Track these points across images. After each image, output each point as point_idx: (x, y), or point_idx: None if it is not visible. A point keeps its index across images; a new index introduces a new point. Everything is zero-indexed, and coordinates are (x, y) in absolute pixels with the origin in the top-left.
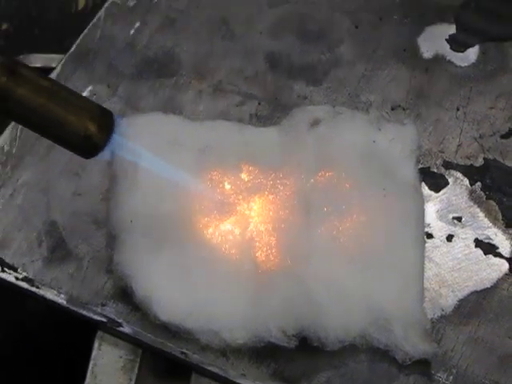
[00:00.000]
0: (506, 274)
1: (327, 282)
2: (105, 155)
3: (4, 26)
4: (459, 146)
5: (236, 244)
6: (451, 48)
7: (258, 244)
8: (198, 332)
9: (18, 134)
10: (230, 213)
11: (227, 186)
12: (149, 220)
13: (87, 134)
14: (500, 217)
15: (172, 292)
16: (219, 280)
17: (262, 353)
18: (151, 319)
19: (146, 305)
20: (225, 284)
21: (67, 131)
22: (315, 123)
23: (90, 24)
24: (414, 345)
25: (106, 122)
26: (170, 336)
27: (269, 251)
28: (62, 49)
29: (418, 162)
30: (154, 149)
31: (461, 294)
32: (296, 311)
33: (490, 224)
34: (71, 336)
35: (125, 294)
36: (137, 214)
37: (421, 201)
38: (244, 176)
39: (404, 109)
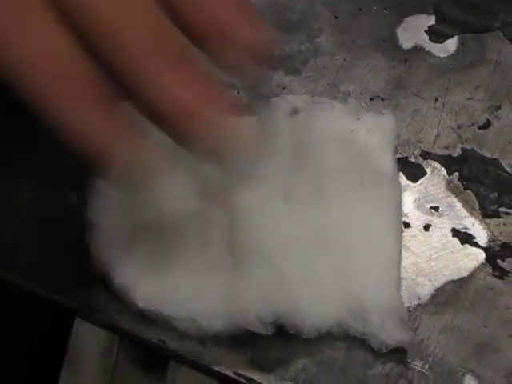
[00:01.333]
0: (483, 264)
1: (303, 270)
2: None
3: None
4: (437, 136)
5: (212, 230)
6: (430, 39)
7: (234, 230)
8: (175, 319)
9: None
10: (206, 199)
11: (204, 176)
12: (126, 207)
13: None
14: (477, 207)
15: (150, 278)
16: (195, 266)
17: (240, 340)
18: (129, 306)
19: (124, 291)
20: (201, 271)
21: None
22: (294, 112)
23: None
24: (391, 333)
25: None
26: (147, 323)
27: (245, 238)
28: None
29: (395, 151)
30: None
31: (437, 283)
32: (272, 298)
33: (467, 214)
34: (48, 323)
35: (103, 281)
36: (114, 201)
37: (398, 190)
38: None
39: (382, 99)
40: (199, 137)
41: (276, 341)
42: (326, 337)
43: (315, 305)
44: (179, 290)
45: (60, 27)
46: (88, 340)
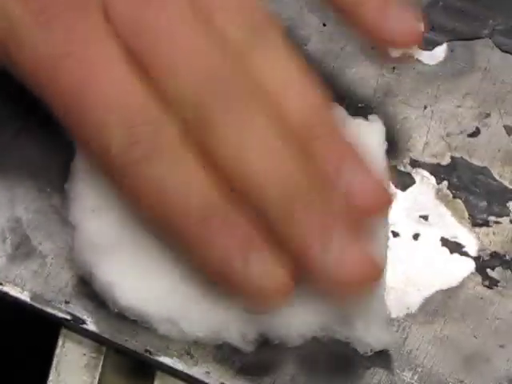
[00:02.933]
0: (472, 273)
1: None
2: None
3: None
4: (426, 144)
5: None
6: (419, 46)
7: None
8: (157, 320)
9: None
10: None
11: None
12: (112, 209)
13: None
14: (466, 216)
15: (133, 277)
16: (180, 270)
17: (226, 350)
18: (110, 307)
19: (106, 290)
20: (185, 275)
21: None
22: None
23: None
24: (376, 336)
25: None
26: (133, 333)
27: None
28: None
29: (384, 159)
30: None
31: (426, 293)
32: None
33: (457, 223)
34: (33, 334)
35: (88, 291)
36: (97, 204)
37: None
38: None
39: (371, 107)
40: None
41: (263, 350)
42: (313, 343)
43: (299, 311)
44: (162, 290)
45: (199, 167)
46: (74, 351)
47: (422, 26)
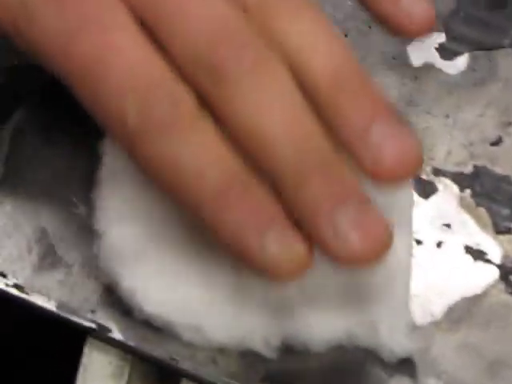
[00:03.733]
0: (496, 281)
1: (311, 286)
2: None
3: None
4: (449, 153)
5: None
6: (440, 56)
7: None
8: (181, 327)
9: (8, 141)
10: None
11: None
12: (138, 217)
13: None
14: (489, 223)
15: (158, 285)
16: (205, 277)
17: (251, 357)
18: (136, 314)
19: (132, 297)
20: (211, 282)
21: None
22: None
23: None
24: (400, 343)
25: None
26: (159, 341)
27: None
28: None
29: None
30: None
31: (450, 301)
32: (279, 317)
33: (480, 231)
34: (60, 343)
35: (114, 299)
36: (124, 212)
37: (409, 206)
38: None
39: None
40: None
41: (288, 357)
42: (337, 351)
43: (323, 317)
44: (187, 297)
45: (217, 137)
46: (100, 360)
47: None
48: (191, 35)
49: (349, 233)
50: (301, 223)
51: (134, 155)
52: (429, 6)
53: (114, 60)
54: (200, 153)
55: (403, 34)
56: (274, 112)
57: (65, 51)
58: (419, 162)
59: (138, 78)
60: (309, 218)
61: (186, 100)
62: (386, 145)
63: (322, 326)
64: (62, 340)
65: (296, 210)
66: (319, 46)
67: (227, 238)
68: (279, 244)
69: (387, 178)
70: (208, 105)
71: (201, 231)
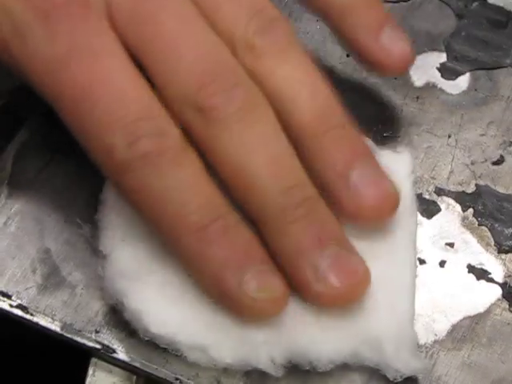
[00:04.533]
0: (499, 299)
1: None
2: None
3: None
4: (451, 172)
5: None
6: (442, 76)
7: None
8: (186, 348)
9: (12, 161)
10: None
11: None
12: (141, 238)
13: None
14: (492, 242)
15: (163, 305)
16: (210, 299)
17: (255, 377)
18: (141, 335)
19: (137, 318)
20: (215, 303)
21: None
22: None
23: None
24: (405, 362)
25: None
26: (164, 362)
27: None
28: None
29: (413, 187)
30: None
31: (454, 319)
32: (285, 336)
33: (483, 250)
34: (64, 364)
35: (118, 320)
36: (128, 233)
37: (414, 226)
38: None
39: (396, 136)
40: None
41: (293, 376)
42: (343, 369)
43: (329, 336)
44: (192, 318)
45: (200, 171)
46: (104, 380)
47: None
48: (181, 74)
49: (328, 274)
50: (282, 263)
51: (120, 186)
52: (408, 45)
53: (102, 91)
54: (184, 187)
55: (380, 71)
56: (261, 153)
57: (54, 79)
58: (397, 203)
59: (124, 109)
60: (290, 259)
61: (171, 134)
62: (365, 188)
63: (328, 344)
64: (66, 361)
65: (278, 250)
66: (303, 90)
67: (206, 273)
68: (257, 282)
69: (366, 219)
70: (195, 141)
71: None
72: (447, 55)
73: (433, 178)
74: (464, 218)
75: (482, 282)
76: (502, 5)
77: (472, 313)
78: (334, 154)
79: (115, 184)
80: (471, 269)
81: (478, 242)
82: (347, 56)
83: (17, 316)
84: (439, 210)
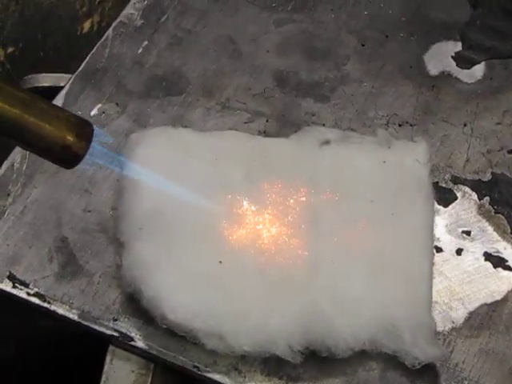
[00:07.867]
0: None
1: (335, 292)
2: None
3: (10, 50)
4: (467, 161)
5: (245, 254)
6: (457, 65)
7: (266, 254)
8: (204, 335)
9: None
10: (239, 223)
11: (237, 197)
12: (158, 227)
13: (66, 143)
14: (509, 230)
15: (181, 292)
16: (228, 286)
17: (273, 364)
18: (158, 322)
19: (154, 304)
20: (233, 291)
21: (46, 142)
22: (325, 143)
23: (98, 43)
24: (423, 349)
25: (83, 131)
26: (181, 350)
27: (277, 262)
28: (68, 71)
29: (429, 176)
30: (163, 162)
31: (471, 307)
32: (304, 323)
33: (499, 238)
34: (82, 351)
35: (136, 308)
36: (146, 221)
37: (431, 215)
38: (254, 187)
39: (411, 125)
40: None
41: (310, 363)
42: (360, 357)
43: (348, 325)
44: (209, 306)
45: None
46: (122, 368)
47: None
48: None
49: None
50: None
51: None
52: None
53: None
54: None
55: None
56: None
57: None
58: None
59: None
60: None
61: None
62: None
63: (346, 331)
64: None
65: None
66: None
67: None
68: None
69: None
70: None
71: (222, 241)
72: (462, 44)
73: (449, 166)
74: (480, 206)
75: (499, 269)
76: None
77: (489, 300)
78: None
79: None
80: (488, 256)
81: (495, 230)
82: (362, 45)
83: (34, 304)
84: (455, 198)
